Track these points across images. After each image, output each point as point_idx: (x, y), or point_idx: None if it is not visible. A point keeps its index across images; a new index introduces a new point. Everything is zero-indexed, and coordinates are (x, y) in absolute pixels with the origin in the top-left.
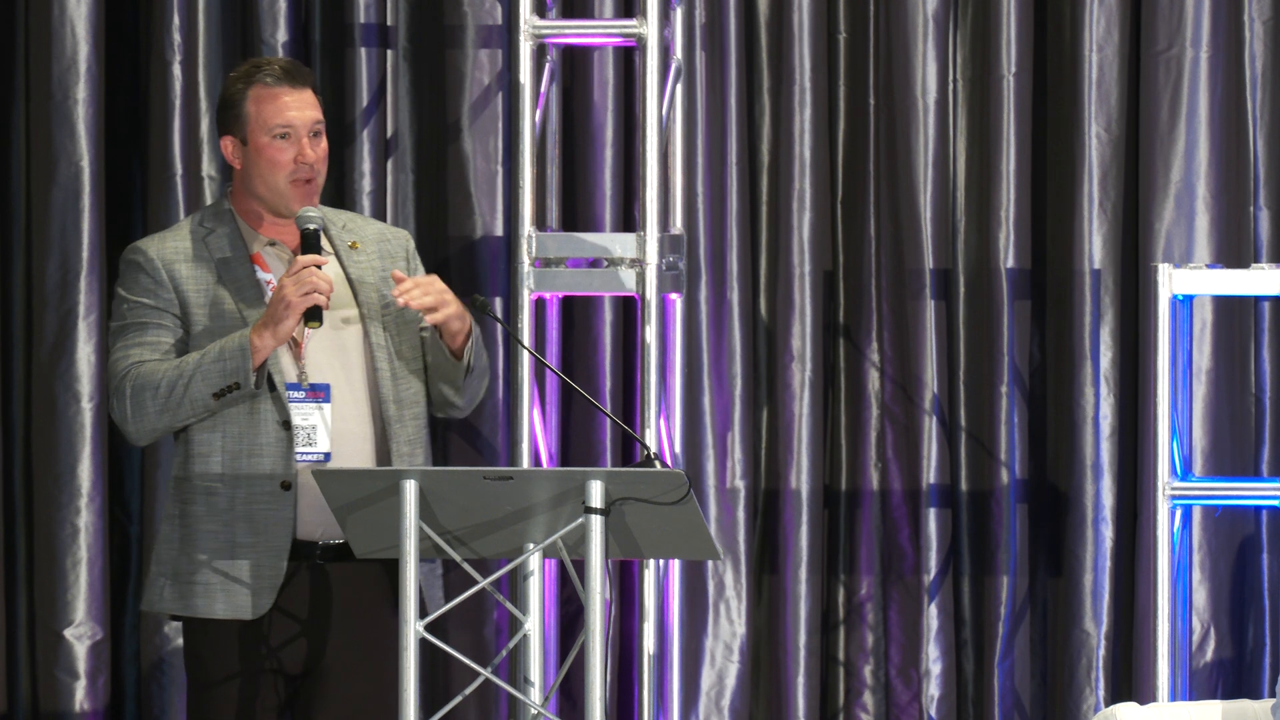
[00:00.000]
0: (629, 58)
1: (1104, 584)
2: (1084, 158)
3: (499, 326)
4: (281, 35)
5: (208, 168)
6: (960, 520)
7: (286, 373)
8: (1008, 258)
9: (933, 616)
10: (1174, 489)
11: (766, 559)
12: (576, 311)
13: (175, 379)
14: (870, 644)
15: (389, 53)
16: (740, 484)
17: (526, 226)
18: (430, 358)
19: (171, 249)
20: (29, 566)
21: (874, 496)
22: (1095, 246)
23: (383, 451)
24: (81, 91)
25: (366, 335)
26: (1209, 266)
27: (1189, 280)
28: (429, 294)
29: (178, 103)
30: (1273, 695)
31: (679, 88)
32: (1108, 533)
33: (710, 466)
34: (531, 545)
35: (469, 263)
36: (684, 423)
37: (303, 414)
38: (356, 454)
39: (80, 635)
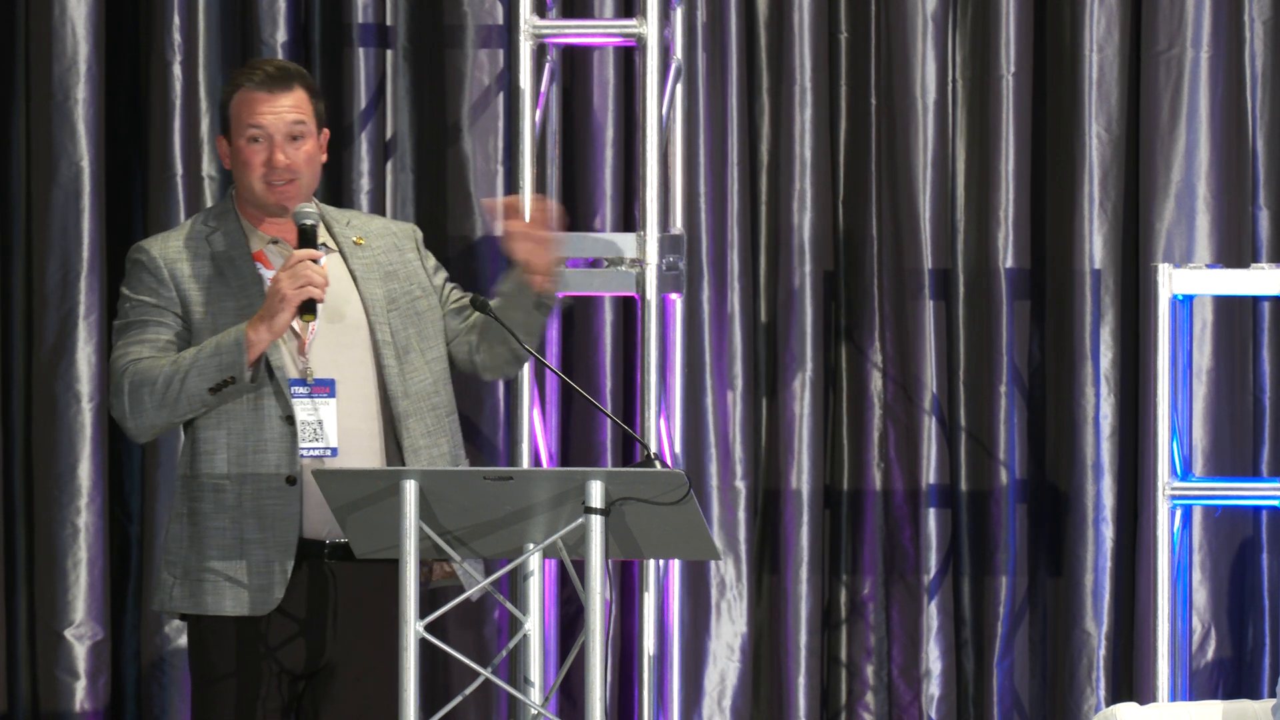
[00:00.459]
0: (629, 58)
1: (1104, 584)
2: (1084, 158)
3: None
4: (281, 35)
5: (208, 168)
6: (960, 520)
7: (289, 368)
8: (1007, 258)
9: (933, 616)
10: (1174, 489)
11: (767, 559)
12: (576, 311)
13: (172, 374)
14: (872, 644)
15: (388, 52)
16: (741, 484)
17: None
18: (518, 314)
19: (174, 248)
20: (29, 566)
21: (875, 496)
22: (1095, 246)
23: (392, 448)
24: (82, 91)
25: (372, 331)
26: (1209, 266)
27: (1189, 280)
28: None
29: (178, 103)
30: (1273, 695)
31: (679, 88)
32: (1108, 533)
33: (711, 467)
34: (531, 545)
35: (469, 263)
36: (684, 423)
37: (307, 409)
38: (364, 450)
39: (80, 635)
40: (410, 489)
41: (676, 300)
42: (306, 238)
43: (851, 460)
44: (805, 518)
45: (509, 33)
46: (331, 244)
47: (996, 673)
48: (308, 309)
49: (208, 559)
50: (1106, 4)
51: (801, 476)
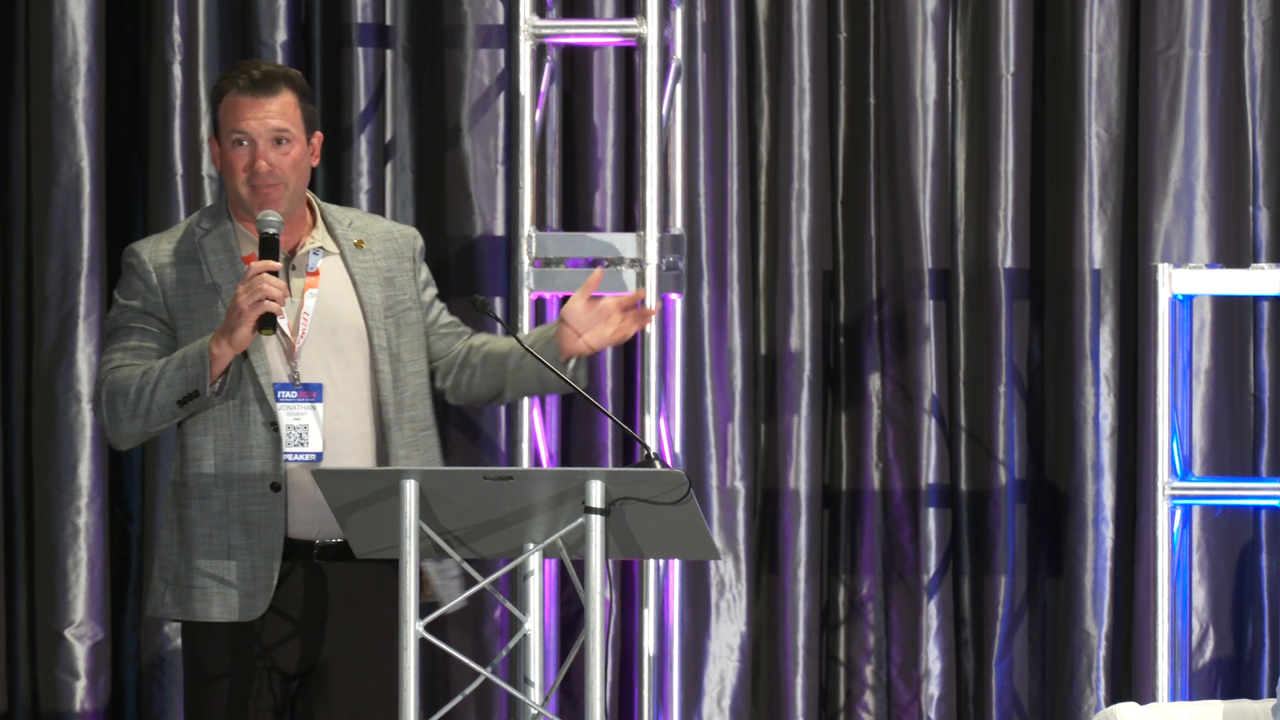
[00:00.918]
0: (629, 58)
1: (1104, 584)
2: (1084, 158)
3: (499, 326)
4: (281, 35)
5: (208, 168)
6: (960, 520)
7: (277, 373)
8: (1007, 258)
9: (932, 616)
10: (1174, 489)
11: (766, 559)
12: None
13: (143, 386)
14: (871, 643)
15: (388, 52)
16: (740, 484)
17: (526, 226)
18: (513, 366)
19: (165, 251)
20: (29, 566)
21: (874, 496)
22: (1095, 246)
23: (382, 453)
24: (82, 91)
25: (369, 336)
26: (1208, 266)
27: (1189, 280)
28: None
29: (178, 103)
30: (1273, 695)
31: (679, 88)
32: (1108, 533)
33: (710, 466)
34: (531, 545)
35: (469, 263)
36: (684, 423)
37: (294, 414)
38: (352, 454)
39: (80, 635)
40: (410, 489)
41: (676, 300)
42: (268, 247)
43: (850, 460)
44: (804, 517)
45: (509, 33)
46: (332, 246)
47: (996, 672)
48: (266, 323)
49: (196, 565)
50: (1106, 4)
51: (800, 476)
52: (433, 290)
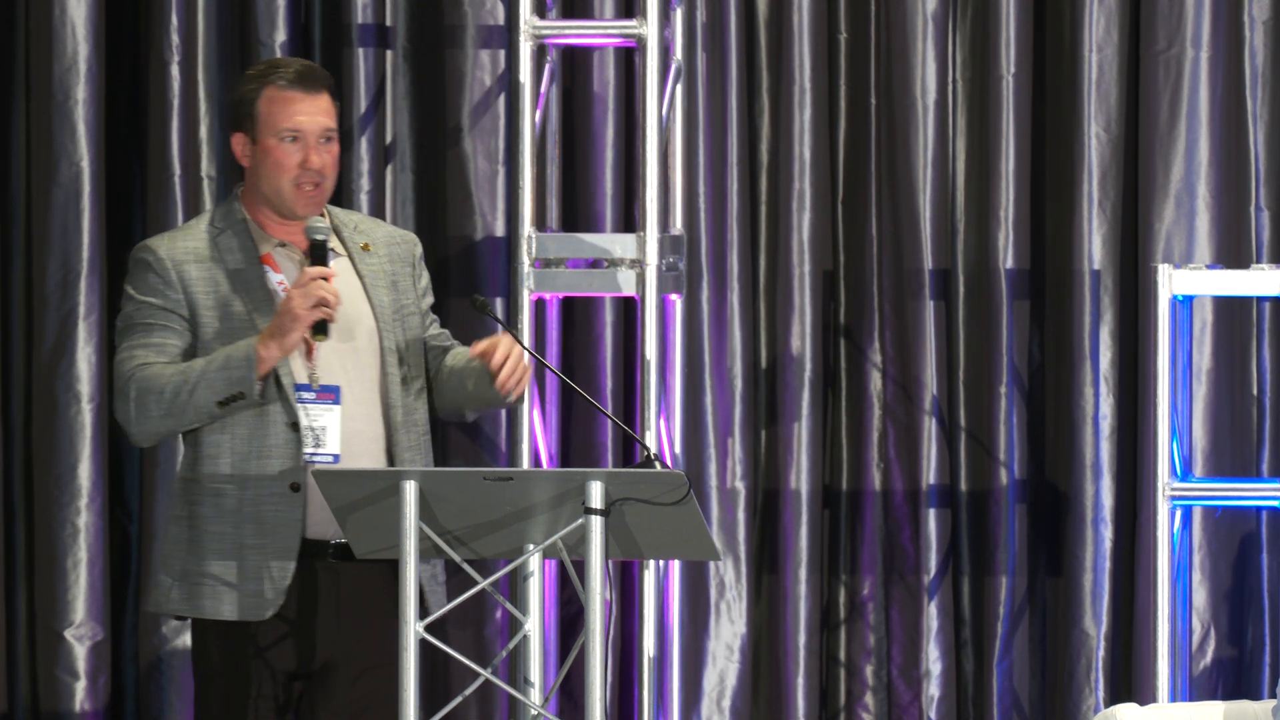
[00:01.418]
0: (629, 58)
1: (1104, 584)
2: (1084, 158)
3: (499, 326)
4: (280, 35)
5: (207, 168)
6: (960, 520)
7: (297, 374)
8: (1007, 258)
9: (933, 616)
10: (1174, 489)
11: (767, 559)
12: (576, 312)
13: (180, 385)
14: (871, 644)
15: (388, 53)
16: (740, 484)
17: (526, 227)
18: (472, 386)
19: (182, 249)
20: (29, 566)
21: (874, 496)
22: (1095, 246)
23: (390, 456)
24: (81, 92)
25: (380, 338)
26: (1209, 267)
27: (1189, 280)
28: (520, 374)
29: (176, 103)
30: (1273, 696)
31: (679, 88)
32: (1107, 533)
33: (711, 467)
34: (531, 546)
35: (469, 263)
36: (684, 423)
37: (312, 415)
38: (366, 455)
39: (80, 635)
40: (410, 489)
41: (676, 300)
42: (318, 253)
43: (851, 460)
44: (804, 518)
45: (509, 33)
46: (341, 249)
47: (996, 673)
48: (319, 329)
49: (206, 562)
50: (1106, 4)
51: (801, 477)
52: (430, 300)
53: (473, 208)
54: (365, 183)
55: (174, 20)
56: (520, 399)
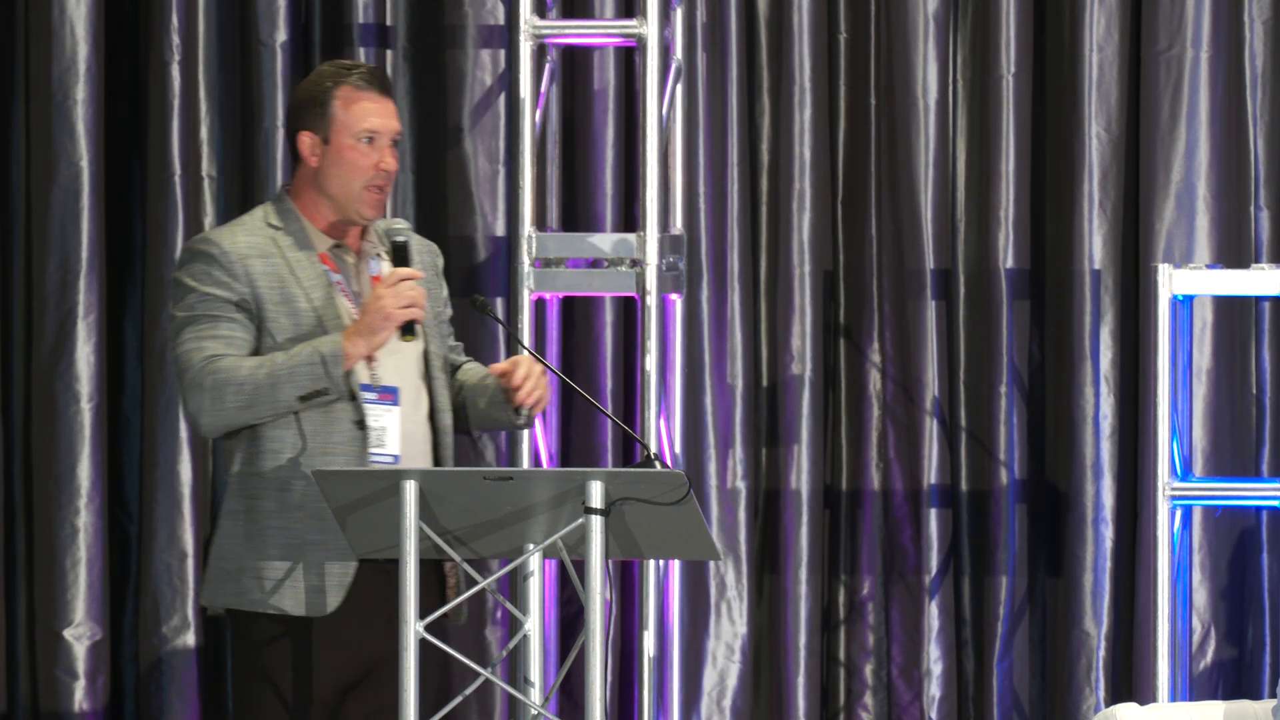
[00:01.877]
0: (629, 58)
1: (1104, 584)
2: (1084, 158)
3: (499, 326)
4: (281, 35)
5: (207, 168)
6: (960, 520)
7: (359, 374)
8: (1008, 258)
9: (933, 616)
10: (1174, 489)
11: (767, 559)
12: (576, 311)
13: (263, 378)
14: (871, 644)
15: (389, 53)
16: (741, 484)
17: (527, 226)
18: (484, 405)
19: (245, 244)
20: (29, 566)
21: (875, 496)
22: (1095, 246)
23: (437, 459)
24: (81, 92)
25: (425, 341)
26: (1209, 267)
27: (1189, 280)
28: (540, 392)
29: (176, 103)
30: (1273, 696)
31: (679, 88)
32: (1108, 533)
33: (711, 467)
34: (531, 545)
35: (469, 263)
36: (684, 423)
37: (375, 415)
38: (419, 456)
39: (79, 635)
40: (410, 489)
41: (676, 300)
42: (401, 254)
43: (851, 460)
44: (805, 518)
45: (509, 33)
46: (384, 254)
47: (997, 672)
48: (409, 329)
49: (266, 557)
50: (1106, 4)
51: (801, 477)
52: (449, 312)
53: (473, 208)
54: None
55: (174, 20)
56: (530, 423)
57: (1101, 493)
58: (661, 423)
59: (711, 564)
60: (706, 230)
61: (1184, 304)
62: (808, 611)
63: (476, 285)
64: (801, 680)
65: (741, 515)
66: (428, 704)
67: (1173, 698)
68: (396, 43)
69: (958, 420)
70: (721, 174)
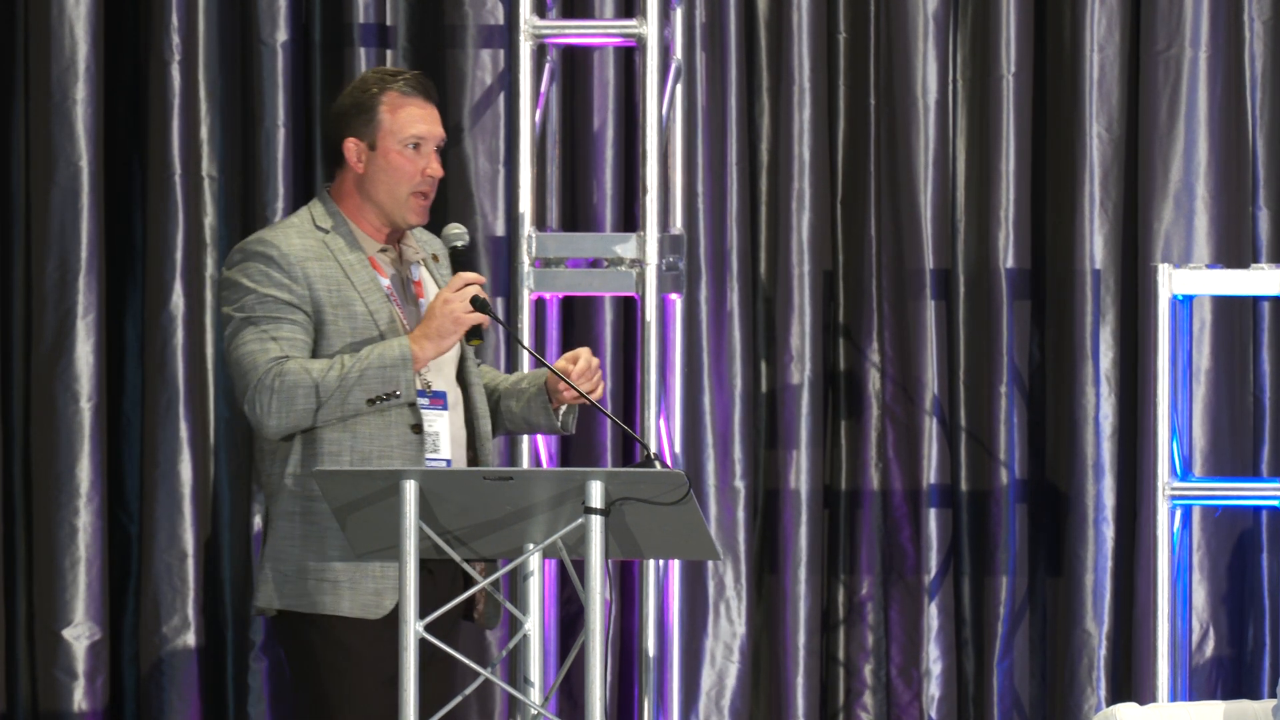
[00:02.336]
0: (629, 58)
1: (1104, 584)
2: (1084, 158)
3: (499, 326)
4: (281, 35)
5: (207, 168)
6: (960, 520)
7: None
8: (1008, 258)
9: (933, 616)
10: (1174, 489)
11: (766, 559)
12: (576, 311)
13: (333, 381)
14: (871, 644)
15: (389, 53)
16: (740, 484)
17: (527, 226)
18: (518, 407)
19: (300, 246)
20: (28, 566)
21: (874, 496)
22: (1095, 246)
23: (473, 462)
24: (80, 92)
25: (462, 348)
26: (1209, 267)
27: (1189, 280)
28: (595, 378)
29: (176, 103)
30: (1273, 696)
31: (679, 88)
32: (1108, 533)
33: (710, 466)
34: (531, 545)
35: (469, 262)
36: (684, 423)
37: (429, 420)
38: (464, 461)
39: (79, 635)
40: (410, 489)
41: (676, 300)
42: (460, 260)
43: (850, 460)
44: (804, 518)
45: (509, 33)
46: (419, 259)
47: (997, 672)
48: (475, 333)
49: (325, 558)
50: (1106, 4)
51: (801, 476)
52: None
53: (473, 208)
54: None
55: (174, 20)
56: (569, 428)
57: (1102, 493)
58: (661, 423)
59: (711, 564)
60: (706, 230)
61: (1184, 304)
62: (807, 611)
63: None
64: (800, 680)
65: (741, 515)
66: (435, 704)
67: (1173, 697)
68: (396, 43)
69: (957, 420)
70: (721, 174)
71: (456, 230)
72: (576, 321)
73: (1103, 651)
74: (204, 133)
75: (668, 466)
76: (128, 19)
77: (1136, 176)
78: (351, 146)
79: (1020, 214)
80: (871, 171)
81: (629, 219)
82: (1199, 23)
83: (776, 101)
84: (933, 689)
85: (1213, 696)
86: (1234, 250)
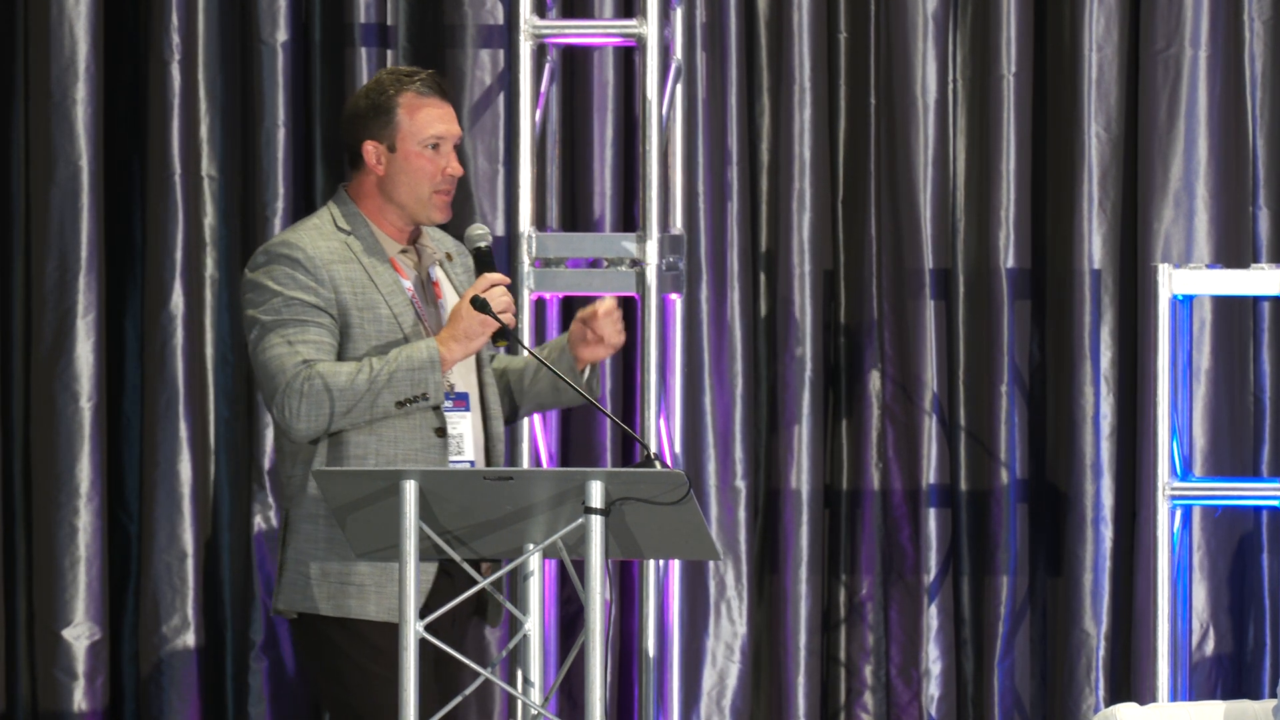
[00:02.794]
0: (629, 58)
1: (1104, 584)
2: (1084, 157)
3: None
4: (281, 35)
5: (207, 168)
6: (960, 520)
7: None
8: (1008, 257)
9: (933, 616)
10: (1174, 489)
11: (767, 559)
12: (576, 311)
13: (362, 384)
14: (871, 644)
15: (389, 53)
16: (741, 484)
17: (526, 227)
18: (542, 381)
19: (325, 249)
20: (28, 566)
21: (874, 496)
22: (1095, 246)
23: (489, 462)
24: (80, 91)
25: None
26: (1209, 266)
27: (1189, 280)
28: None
29: (176, 103)
30: (1273, 695)
31: (679, 88)
32: (1107, 533)
33: (710, 466)
34: (531, 545)
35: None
36: (684, 423)
37: (452, 421)
38: (483, 462)
39: (78, 635)
40: (410, 489)
41: (676, 300)
42: (485, 261)
43: (851, 460)
44: (805, 518)
45: (509, 33)
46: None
47: (998, 672)
48: (503, 334)
49: (351, 561)
50: (1106, 4)
51: (801, 476)
52: None
53: (473, 208)
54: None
55: (174, 20)
56: (596, 388)
57: (1101, 492)
58: (661, 422)
59: (711, 564)
60: (706, 230)
61: (1184, 304)
62: (807, 611)
63: None
64: (801, 680)
65: (741, 515)
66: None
67: (1172, 698)
68: (396, 43)
69: (957, 420)
70: (721, 174)
71: (480, 231)
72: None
73: (1102, 651)
74: (204, 133)
75: (668, 466)
76: (128, 19)
77: (1136, 176)
78: (370, 149)
79: (1020, 214)
80: (871, 171)
81: (629, 219)
82: (1199, 22)
83: (776, 101)
84: (932, 689)
85: (1213, 696)
86: (1234, 250)
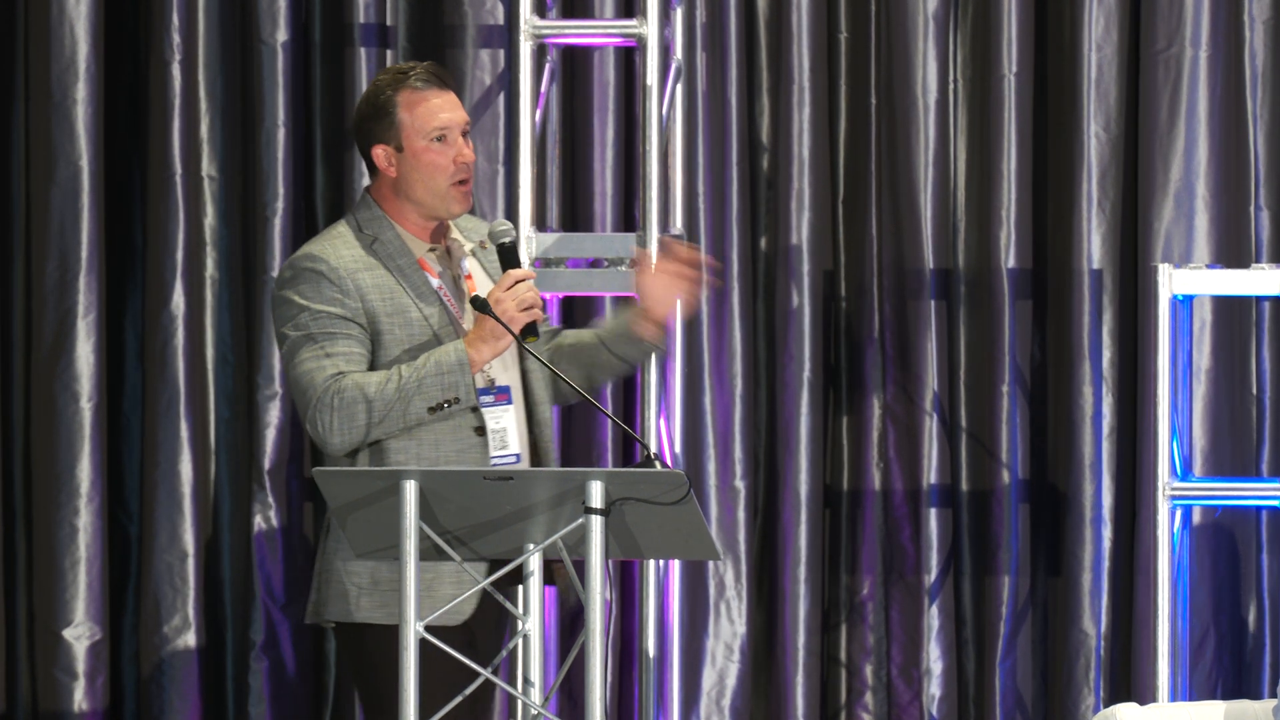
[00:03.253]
0: (629, 58)
1: (1102, 584)
2: (1083, 157)
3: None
4: (281, 35)
5: (207, 168)
6: (961, 520)
7: (475, 377)
8: (1008, 257)
9: (934, 616)
10: (1174, 489)
11: (767, 559)
12: (576, 311)
13: (392, 394)
14: (871, 644)
15: (389, 53)
16: (740, 484)
17: (526, 227)
18: (607, 346)
19: (349, 258)
20: (28, 566)
21: (875, 496)
22: (1095, 246)
23: (536, 451)
24: (81, 91)
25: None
26: (1209, 266)
27: (1189, 280)
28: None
29: (177, 103)
30: (1273, 696)
31: (679, 88)
32: (1107, 533)
33: (711, 466)
34: (531, 546)
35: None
36: (684, 423)
37: (494, 417)
38: (529, 454)
39: (79, 635)
40: (410, 489)
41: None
42: (509, 257)
43: (851, 460)
44: (805, 518)
45: (509, 33)
46: (468, 248)
47: (999, 672)
48: (531, 330)
49: (395, 568)
50: (1106, 4)
51: (801, 476)
52: None
53: (472, 208)
54: (367, 182)
55: (174, 20)
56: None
57: (1101, 492)
58: (661, 423)
59: (711, 564)
60: (706, 230)
61: (1184, 304)
62: (807, 611)
63: None
64: (801, 680)
65: (741, 515)
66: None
67: (1172, 698)
68: (396, 43)
69: (958, 420)
70: (721, 174)
71: (503, 227)
72: (577, 321)
73: (1101, 651)
74: (204, 133)
75: (668, 466)
76: (128, 19)
77: (1136, 176)
78: (380, 153)
79: (1021, 213)
80: (872, 171)
81: (629, 219)
82: (1199, 22)
83: (776, 101)
84: (933, 689)
85: (1213, 696)
86: (1234, 250)
